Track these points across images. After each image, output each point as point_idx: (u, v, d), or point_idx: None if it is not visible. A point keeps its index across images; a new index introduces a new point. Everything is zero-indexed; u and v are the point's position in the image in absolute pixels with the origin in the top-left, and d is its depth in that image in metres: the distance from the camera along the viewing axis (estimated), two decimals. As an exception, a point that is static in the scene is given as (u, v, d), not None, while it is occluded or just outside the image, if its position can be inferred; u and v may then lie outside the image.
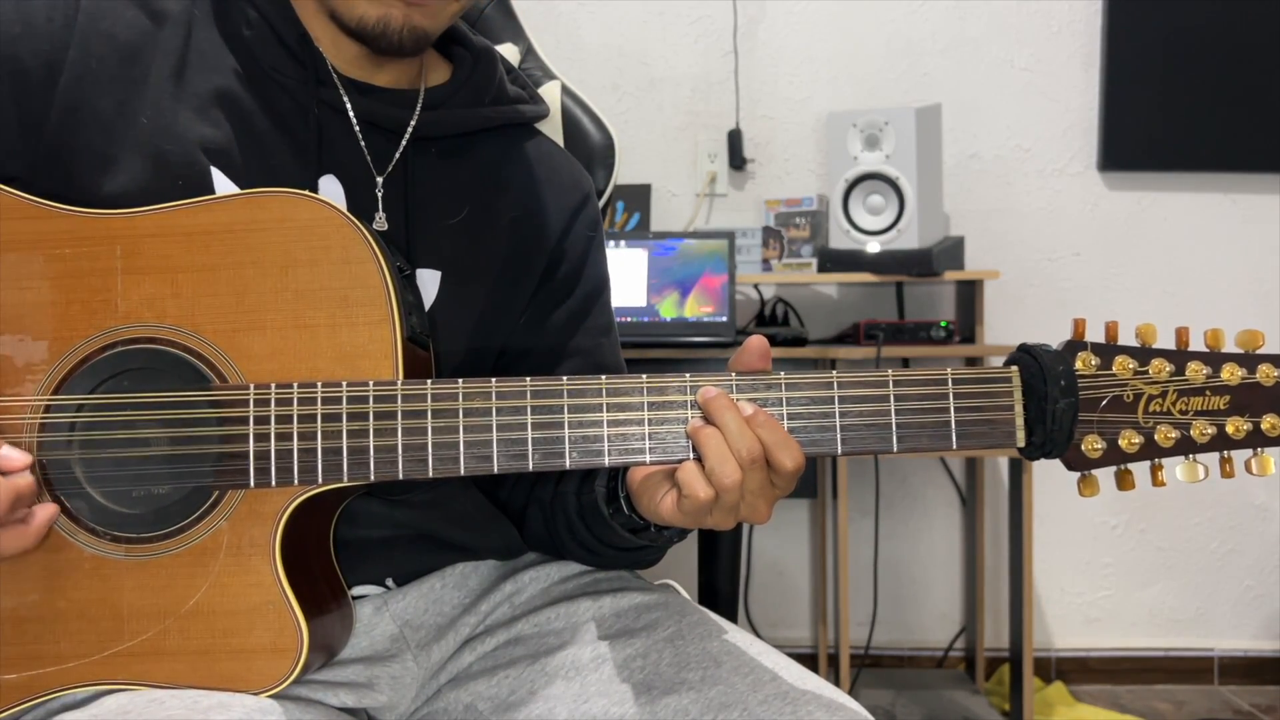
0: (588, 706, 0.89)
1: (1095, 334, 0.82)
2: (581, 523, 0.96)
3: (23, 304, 0.85)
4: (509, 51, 1.34)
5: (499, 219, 1.02)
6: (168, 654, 0.82)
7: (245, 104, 0.93)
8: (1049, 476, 2.76)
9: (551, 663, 0.93)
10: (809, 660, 2.81)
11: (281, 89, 0.94)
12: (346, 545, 0.92)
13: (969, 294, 2.63)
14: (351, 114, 0.96)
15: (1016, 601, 2.51)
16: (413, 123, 0.98)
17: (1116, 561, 2.88)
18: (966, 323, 2.61)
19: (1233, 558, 2.88)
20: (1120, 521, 2.86)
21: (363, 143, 0.96)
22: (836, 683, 2.46)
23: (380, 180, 0.96)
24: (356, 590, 0.95)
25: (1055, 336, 2.74)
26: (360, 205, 0.95)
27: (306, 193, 0.85)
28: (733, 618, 2.40)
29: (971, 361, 2.71)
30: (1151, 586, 2.89)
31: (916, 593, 2.90)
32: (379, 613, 0.95)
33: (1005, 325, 2.81)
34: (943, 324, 2.51)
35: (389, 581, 0.97)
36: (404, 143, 0.97)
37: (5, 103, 0.88)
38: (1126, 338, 0.82)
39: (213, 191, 0.89)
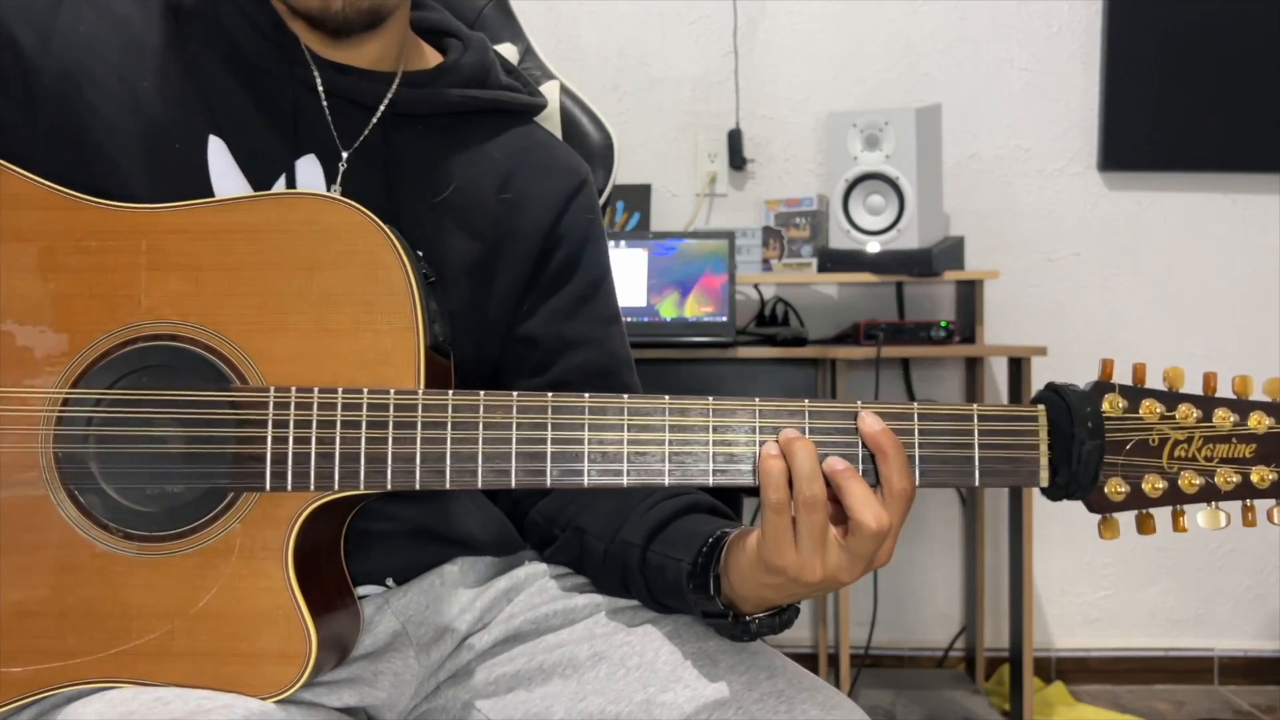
0: (584, 705, 0.89)
1: (1122, 374, 0.81)
2: (642, 578, 0.93)
3: (45, 295, 0.84)
4: (508, 52, 1.34)
5: (486, 196, 1.02)
6: (174, 655, 0.81)
7: (229, 90, 0.95)
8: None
9: (549, 660, 0.93)
10: (809, 660, 2.81)
11: (262, 73, 0.96)
12: (346, 535, 0.91)
13: (969, 294, 2.62)
14: (320, 89, 0.97)
15: (1016, 601, 2.52)
16: (388, 96, 0.98)
17: (1116, 561, 2.88)
18: (966, 323, 2.61)
19: (1233, 558, 2.88)
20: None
21: (329, 117, 0.97)
22: (836, 683, 2.46)
23: (345, 155, 0.97)
24: (357, 590, 0.95)
25: (1055, 337, 2.75)
26: (336, 180, 0.97)
27: (335, 196, 0.86)
28: (733, 618, 2.40)
29: (972, 361, 2.71)
30: (1151, 586, 2.89)
31: (916, 593, 2.90)
32: (381, 611, 0.95)
33: (1005, 325, 2.81)
34: (943, 324, 2.51)
35: (389, 581, 0.97)
36: (375, 118, 0.98)
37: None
38: (1154, 379, 0.81)
39: (207, 162, 0.92)
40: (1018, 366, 2.50)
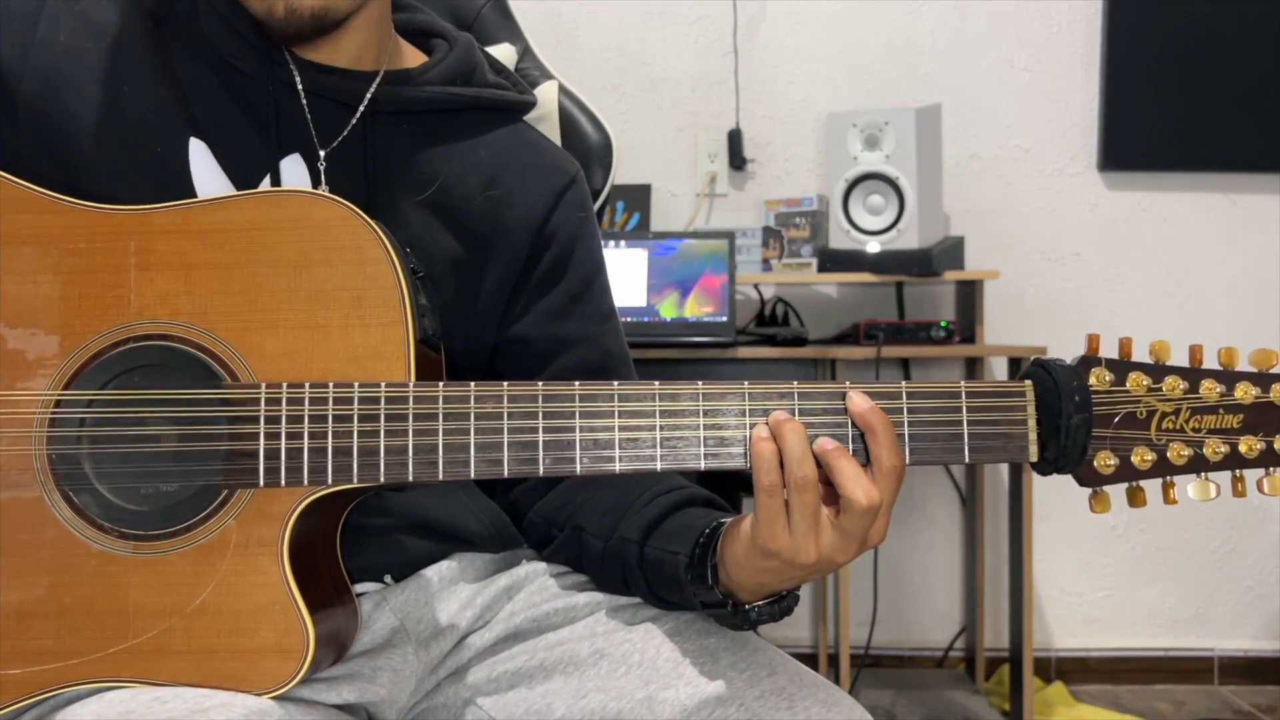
0: (585, 702, 0.89)
1: (1109, 349, 0.81)
2: (641, 574, 0.93)
3: (36, 298, 0.85)
4: (506, 52, 1.34)
5: (472, 193, 1.02)
6: (172, 653, 0.81)
7: (210, 93, 0.96)
8: (1049, 477, 2.76)
9: (550, 658, 0.93)
10: (809, 660, 2.81)
11: (243, 75, 0.97)
12: (343, 531, 0.91)
13: (969, 294, 2.63)
14: (300, 88, 0.97)
15: (1016, 601, 2.52)
16: (369, 94, 0.99)
17: (1116, 561, 2.88)
18: (966, 323, 2.61)
19: (1233, 558, 2.88)
20: (1120, 521, 2.86)
21: (309, 116, 0.98)
22: (836, 682, 2.46)
23: (323, 154, 0.97)
24: (356, 588, 0.95)
25: (1055, 337, 2.74)
26: (319, 180, 0.97)
27: (323, 193, 0.86)
28: (733, 617, 2.40)
29: (972, 361, 2.71)
30: (1151, 586, 2.89)
31: (916, 593, 2.90)
32: (379, 608, 0.95)
33: (1005, 325, 2.81)
34: (943, 324, 2.51)
35: (387, 578, 0.97)
36: (356, 117, 0.99)
37: None
38: (1140, 353, 0.81)
39: (188, 165, 0.93)
40: (1018, 366, 2.50)
